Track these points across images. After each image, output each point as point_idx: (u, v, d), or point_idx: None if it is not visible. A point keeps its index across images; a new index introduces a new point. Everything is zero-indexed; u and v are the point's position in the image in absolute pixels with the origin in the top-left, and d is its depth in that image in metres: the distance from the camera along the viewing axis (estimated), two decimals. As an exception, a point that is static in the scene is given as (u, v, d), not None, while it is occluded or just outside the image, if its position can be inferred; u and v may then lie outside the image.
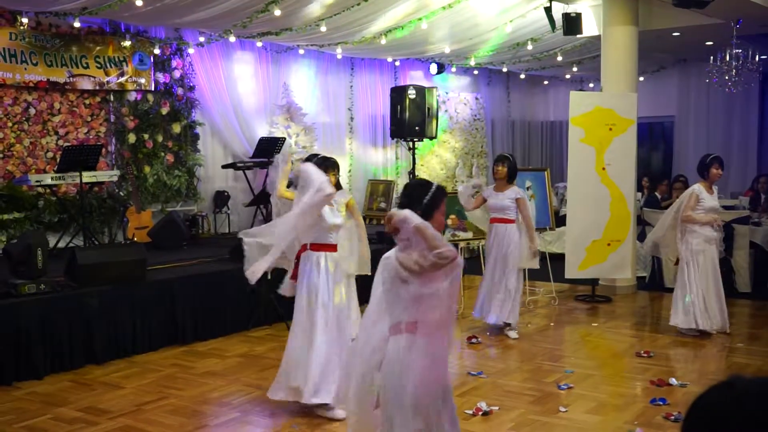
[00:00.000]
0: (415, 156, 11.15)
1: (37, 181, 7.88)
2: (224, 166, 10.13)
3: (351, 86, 12.19)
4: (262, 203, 9.67)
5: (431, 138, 11.36)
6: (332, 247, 5.15)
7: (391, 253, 3.17)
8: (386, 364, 3.16)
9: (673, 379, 5.76)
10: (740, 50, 9.48)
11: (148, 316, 6.78)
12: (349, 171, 12.25)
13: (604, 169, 8.61)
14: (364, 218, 11.61)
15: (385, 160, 12.93)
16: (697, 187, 7.15)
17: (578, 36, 9.95)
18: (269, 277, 7.31)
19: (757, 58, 9.53)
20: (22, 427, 4.93)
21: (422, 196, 3.23)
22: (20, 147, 8.35)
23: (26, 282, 6.12)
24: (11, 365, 5.86)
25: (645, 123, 14.07)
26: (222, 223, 10.21)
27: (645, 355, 6.55)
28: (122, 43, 8.93)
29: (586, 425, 4.91)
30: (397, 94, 10.92)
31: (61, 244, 8.18)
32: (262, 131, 10.57)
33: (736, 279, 9.14)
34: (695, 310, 7.07)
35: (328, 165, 5.11)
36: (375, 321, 3.27)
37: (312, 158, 5.18)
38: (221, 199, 10.16)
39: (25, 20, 8.00)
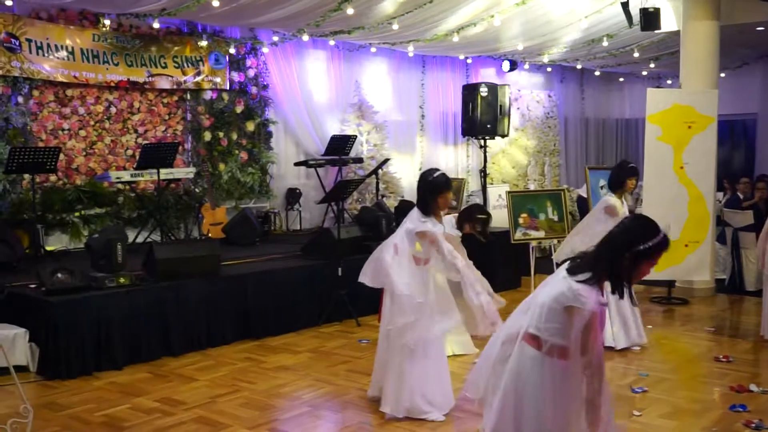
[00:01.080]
0: (487, 154, 11.07)
1: (117, 178, 8.15)
2: (296, 164, 10.28)
3: (422, 84, 12.19)
4: (333, 200, 9.76)
5: (503, 136, 11.28)
6: None
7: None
8: (511, 368, 3.07)
9: (754, 386, 5.58)
10: (828, 44, 9.11)
11: (222, 310, 6.91)
12: (420, 169, 12.25)
13: (682, 168, 8.39)
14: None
15: (456, 158, 12.89)
16: None
17: (656, 32, 9.71)
18: (340, 274, 7.43)
19: None
20: (102, 416, 5.09)
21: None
22: (101, 145, 8.63)
23: (107, 275, 6.33)
24: (92, 356, 6.06)
25: (725, 121, 13.64)
26: (294, 220, 10.35)
27: (724, 359, 6.37)
28: (199, 43, 9.15)
29: (661, 430, 4.80)
30: (469, 91, 10.87)
31: (139, 239, 8.42)
32: (334, 129, 10.67)
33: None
34: None
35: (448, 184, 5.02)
36: (521, 311, 3.17)
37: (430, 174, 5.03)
38: (293, 196, 10.30)
39: (107, 22, 8.28)
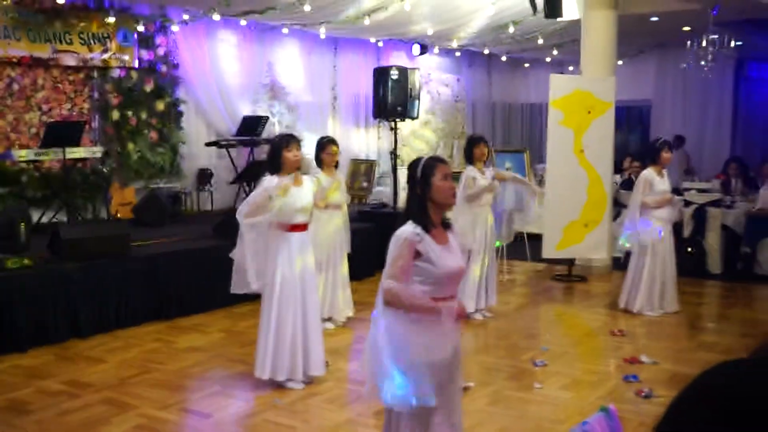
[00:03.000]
0: (397, 136, 11.24)
1: (20, 157, 7.92)
2: (208, 144, 10.20)
3: (335, 66, 12.25)
4: (245, 181, 9.75)
5: (413, 118, 11.45)
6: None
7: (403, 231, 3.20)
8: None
9: (645, 357, 5.89)
10: (716, 36, 9.62)
11: (131, 291, 6.83)
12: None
13: (582, 151, 8.72)
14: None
15: (367, 139, 13.02)
16: (648, 173, 7.19)
17: (559, 19, 10.04)
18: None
19: (732, 44, 9.67)
20: (5, 399, 4.99)
21: (414, 173, 3.29)
22: (3, 122, 8.36)
23: (9, 256, 6.17)
24: (-5, 338, 5.90)
25: (623, 106, 14.22)
26: (205, 201, 10.28)
27: (618, 333, 6.68)
28: (106, 20, 8.94)
29: (560, 401, 5.03)
30: (380, 74, 10.97)
31: (45, 220, 8.22)
32: (246, 110, 10.62)
33: (707, 260, 9.36)
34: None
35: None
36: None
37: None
38: (204, 176, 10.23)
39: (8, -5, 8.01)
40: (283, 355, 5.10)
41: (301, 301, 5.16)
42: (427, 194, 3.23)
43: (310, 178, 5.39)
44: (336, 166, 6.81)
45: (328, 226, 6.58)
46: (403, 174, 11.21)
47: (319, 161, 6.68)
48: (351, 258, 7.14)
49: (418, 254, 3.14)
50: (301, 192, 5.14)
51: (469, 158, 7.06)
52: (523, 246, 9.24)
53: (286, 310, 5.10)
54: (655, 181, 7.14)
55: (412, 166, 3.33)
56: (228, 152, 10.23)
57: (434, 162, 3.30)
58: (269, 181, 5.04)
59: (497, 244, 7.24)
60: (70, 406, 4.87)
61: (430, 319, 3.09)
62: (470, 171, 6.99)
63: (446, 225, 3.35)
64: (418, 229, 3.16)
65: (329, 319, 6.77)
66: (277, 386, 5.20)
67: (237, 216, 5.06)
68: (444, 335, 3.15)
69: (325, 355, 5.38)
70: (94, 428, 4.53)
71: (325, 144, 6.70)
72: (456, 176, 7.95)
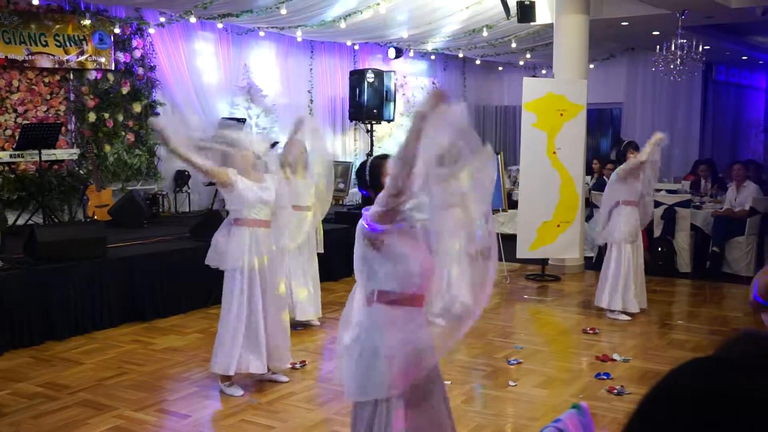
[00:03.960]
0: (373, 138, 11.33)
1: (-5, 159, 7.89)
2: (184, 146, 10.19)
3: (311, 69, 12.30)
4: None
5: (389, 121, 11.55)
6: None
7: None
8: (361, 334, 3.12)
9: (616, 355, 6.00)
10: (685, 40, 9.80)
11: (108, 293, 6.81)
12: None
13: (554, 153, 8.85)
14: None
15: (343, 142, 13.09)
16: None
17: (532, 24, 10.18)
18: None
19: (700, 48, 9.86)
20: (-19, 402, 4.97)
21: (363, 177, 3.21)
22: (-22, 124, 8.33)
23: (-15, 258, 6.14)
24: (-30, 341, 5.86)
25: (594, 109, 14.41)
26: (182, 202, 10.28)
27: (591, 331, 6.80)
28: (82, 22, 8.92)
29: (534, 398, 5.11)
30: (356, 77, 11.08)
31: (20, 222, 8.17)
32: (223, 112, 10.64)
33: (677, 260, 9.54)
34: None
35: None
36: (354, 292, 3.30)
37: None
38: (182, 178, 10.22)
39: (-18, -3, 7.98)
40: (234, 350, 5.09)
41: (260, 297, 5.14)
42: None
43: (273, 176, 5.36)
44: (305, 167, 6.78)
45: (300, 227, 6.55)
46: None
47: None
48: (326, 258, 7.21)
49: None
50: (262, 188, 5.16)
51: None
52: (497, 246, 9.34)
53: (241, 306, 5.11)
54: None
55: (360, 171, 3.25)
56: (205, 154, 10.22)
57: (380, 161, 3.20)
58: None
59: None
60: (47, 408, 4.86)
61: (408, 313, 3.04)
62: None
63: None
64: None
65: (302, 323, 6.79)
66: (255, 387, 5.25)
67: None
68: (422, 327, 3.08)
69: (291, 353, 5.46)
70: (71, 430, 4.53)
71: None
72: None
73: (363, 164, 3.28)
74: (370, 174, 3.18)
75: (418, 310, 3.09)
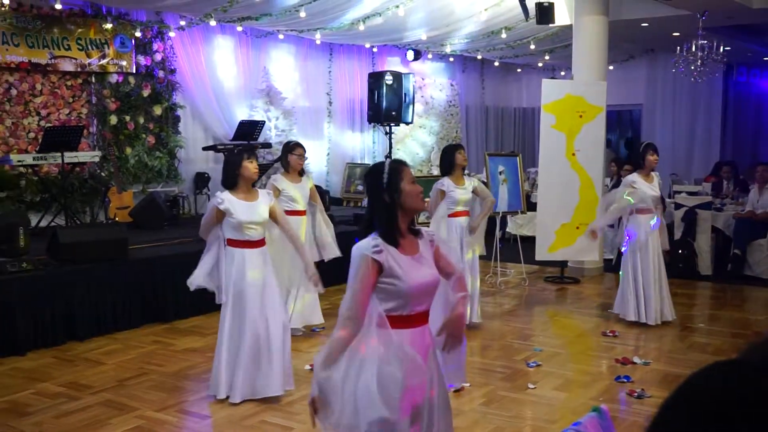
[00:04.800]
0: (392, 140, 11.35)
1: (18, 161, 7.96)
2: (205, 148, 10.26)
3: (330, 71, 12.34)
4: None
5: (407, 123, 11.56)
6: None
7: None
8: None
9: (637, 358, 5.96)
10: (705, 41, 9.73)
11: (130, 294, 6.88)
12: (328, 154, 12.44)
13: (573, 155, 8.83)
14: (341, 201, 11.83)
15: (362, 144, 13.12)
16: (632, 177, 6.97)
17: (551, 25, 10.15)
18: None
19: (721, 49, 9.78)
20: (5, 402, 5.02)
21: (379, 179, 2.91)
22: (2, 127, 8.42)
23: (8, 260, 6.20)
24: (-6, 341, 5.94)
25: (614, 111, 14.35)
26: (202, 204, 10.33)
27: (610, 334, 6.75)
28: (103, 26, 9.01)
29: (553, 401, 5.09)
30: (375, 79, 11.09)
31: (43, 224, 8.26)
32: (242, 114, 10.71)
33: (698, 262, 9.47)
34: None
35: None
36: None
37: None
38: (202, 180, 10.29)
39: (6, 1, 8.04)
40: (232, 372, 4.98)
41: (257, 317, 4.97)
42: (396, 201, 2.86)
43: (266, 192, 5.21)
44: (301, 173, 6.55)
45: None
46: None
47: (286, 164, 6.49)
48: (341, 263, 7.18)
49: (380, 270, 2.77)
50: (254, 207, 4.97)
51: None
52: (516, 248, 9.33)
53: (238, 328, 4.97)
54: (638, 184, 6.87)
55: (374, 173, 2.96)
56: (225, 156, 10.29)
57: (400, 166, 2.96)
58: (219, 196, 4.96)
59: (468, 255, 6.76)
60: (69, 407, 4.91)
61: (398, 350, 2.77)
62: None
63: (415, 232, 2.96)
64: (378, 240, 2.81)
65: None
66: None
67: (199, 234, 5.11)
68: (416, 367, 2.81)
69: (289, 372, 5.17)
70: (92, 430, 4.58)
71: (293, 146, 6.51)
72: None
73: (379, 167, 2.99)
74: (389, 179, 2.88)
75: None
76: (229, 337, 4.98)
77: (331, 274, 6.58)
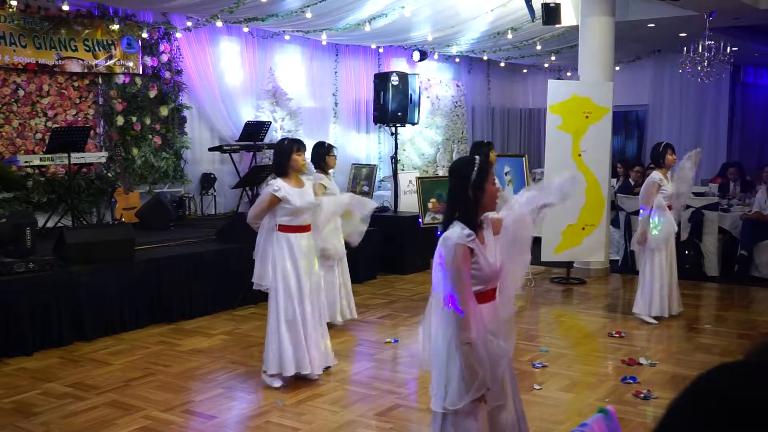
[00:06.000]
0: (398, 141, 11.35)
1: (25, 162, 7.98)
2: (211, 149, 10.30)
3: (336, 72, 12.35)
4: (248, 185, 9.85)
5: (413, 124, 11.55)
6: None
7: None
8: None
9: (643, 359, 5.95)
10: (712, 42, 9.72)
11: (136, 294, 6.90)
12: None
13: (579, 155, 8.82)
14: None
15: (368, 144, 13.12)
16: (657, 175, 7.10)
17: (557, 26, 10.14)
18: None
19: (728, 50, 9.77)
20: (12, 402, 5.04)
21: (468, 175, 3.18)
22: (9, 128, 8.45)
23: (15, 260, 6.21)
24: (1, 342, 5.97)
25: (620, 111, 14.32)
26: (208, 205, 10.37)
27: (616, 335, 6.75)
28: (110, 27, 9.04)
29: (559, 402, 5.08)
30: (381, 80, 11.09)
31: (50, 224, 8.28)
32: (248, 115, 10.72)
33: (704, 263, 9.45)
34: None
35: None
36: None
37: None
38: (208, 181, 10.32)
39: (14, 2, 8.07)
40: (287, 353, 5.28)
41: (305, 301, 5.33)
42: (480, 199, 3.17)
43: (309, 180, 5.61)
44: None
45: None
46: (403, 178, 11.38)
47: (324, 164, 6.89)
48: (352, 260, 7.27)
49: (471, 256, 3.12)
50: (304, 193, 5.32)
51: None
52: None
53: (290, 310, 5.28)
54: (663, 182, 7.06)
55: (464, 168, 3.23)
56: (231, 157, 10.33)
57: (487, 167, 3.25)
58: (274, 184, 5.23)
59: None
60: (75, 408, 4.93)
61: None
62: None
63: (481, 224, 3.28)
64: (468, 230, 3.11)
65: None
66: (280, 387, 5.30)
67: (248, 221, 5.37)
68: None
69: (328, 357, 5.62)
70: (99, 430, 4.60)
71: (329, 148, 6.97)
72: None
73: (469, 165, 3.23)
74: (477, 177, 3.18)
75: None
76: (285, 317, 5.28)
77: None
